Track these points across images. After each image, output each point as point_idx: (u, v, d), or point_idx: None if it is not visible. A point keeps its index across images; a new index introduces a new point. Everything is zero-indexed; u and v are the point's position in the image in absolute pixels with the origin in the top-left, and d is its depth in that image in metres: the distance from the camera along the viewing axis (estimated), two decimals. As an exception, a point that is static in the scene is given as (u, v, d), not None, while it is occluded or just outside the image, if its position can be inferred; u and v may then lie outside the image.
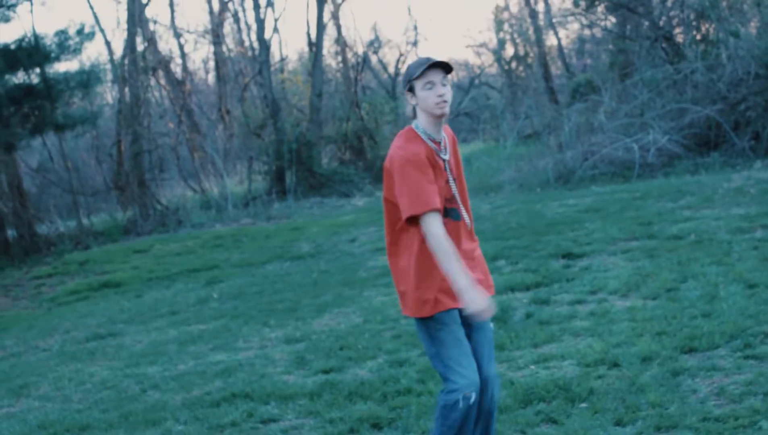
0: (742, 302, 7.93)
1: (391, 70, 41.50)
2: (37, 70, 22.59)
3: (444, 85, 4.79)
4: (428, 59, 4.77)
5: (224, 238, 20.35)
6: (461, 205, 4.96)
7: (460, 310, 4.76)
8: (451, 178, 4.91)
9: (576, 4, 29.61)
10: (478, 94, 42.85)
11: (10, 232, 24.10)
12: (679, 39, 26.21)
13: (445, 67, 4.80)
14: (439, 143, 4.90)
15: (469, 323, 4.88)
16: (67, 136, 27.56)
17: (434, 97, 4.76)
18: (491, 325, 5.07)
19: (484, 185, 22.55)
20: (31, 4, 23.74)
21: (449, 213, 4.87)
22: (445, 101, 4.78)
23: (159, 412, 7.33)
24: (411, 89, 4.85)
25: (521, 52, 43.70)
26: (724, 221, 12.20)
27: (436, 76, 4.77)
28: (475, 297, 4.52)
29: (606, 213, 14.53)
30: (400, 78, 43.11)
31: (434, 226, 4.66)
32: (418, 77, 4.78)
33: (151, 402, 7.78)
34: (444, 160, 4.89)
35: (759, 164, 18.44)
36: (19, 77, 22.69)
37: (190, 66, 40.73)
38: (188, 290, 14.25)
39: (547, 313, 8.75)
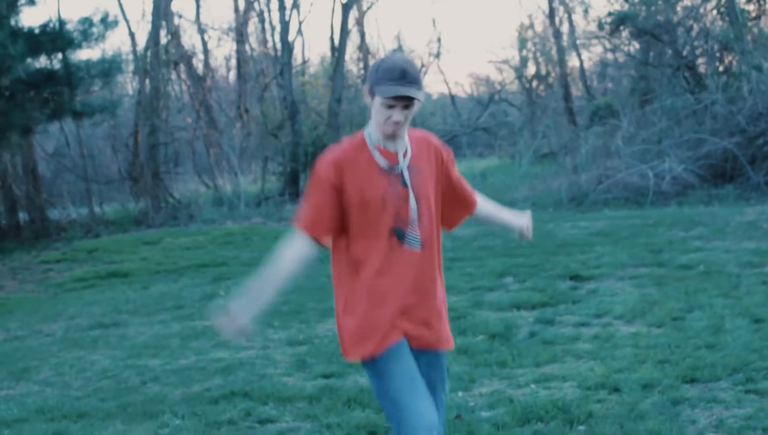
0: (746, 336, 7.91)
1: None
2: (59, 56, 22.65)
3: (407, 108, 4.08)
4: (398, 82, 4.03)
5: (234, 235, 20.37)
6: (424, 232, 4.24)
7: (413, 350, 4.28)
8: (412, 196, 4.18)
9: (601, 27, 29.66)
10: (497, 110, 42.89)
11: (22, 216, 24.19)
12: (702, 69, 26.27)
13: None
14: (394, 154, 4.19)
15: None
16: (84, 123, 27.65)
17: (387, 119, 4.09)
18: (447, 387, 4.53)
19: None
20: (58, -11, 23.83)
21: (403, 237, 4.19)
22: (400, 126, 4.12)
23: (157, 405, 7.33)
24: (372, 91, 4.11)
25: (543, 71, 43.75)
26: (734, 254, 12.18)
27: (400, 100, 4.06)
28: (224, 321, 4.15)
29: (617, 238, 14.51)
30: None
31: (290, 242, 4.19)
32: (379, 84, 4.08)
33: (150, 394, 7.78)
34: (399, 172, 4.18)
35: (773, 199, 18.42)
36: (41, 62, 22.74)
37: (212, 62, 40.87)
38: (195, 285, 14.26)
39: (551, 333, 8.73)
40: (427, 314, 4.29)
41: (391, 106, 4.05)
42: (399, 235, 4.18)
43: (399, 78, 4.03)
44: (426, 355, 4.33)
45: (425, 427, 4.02)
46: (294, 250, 4.18)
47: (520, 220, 4.90)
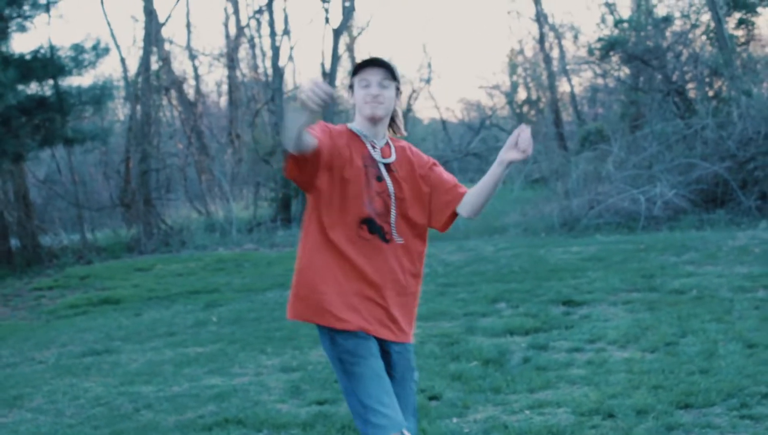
0: (740, 361, 7.92)
1: (404, 105, 41.58)
2: (51, 82, 22.65)
3: (383, 87, 4.36)
4: (368, 60, 4.38)
5: (226, 262, 20.35)
6: (394, 228, 4.44)
7: (379, 343, 4.41)
8: (391, 191, 4.43)
9: (590, 52, 29.80)
10: (488, 135, 42.99)
11: (14, 242, 24.13)
12: (692, 94, 26.36)
13: (387, 68, 4.38)
14: (374, 146, 4.48)
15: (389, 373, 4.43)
16: (75, 149, 27.63)
17: (365, 97, 4.36)
18: (416, 376, 4.62)
19: (489, 227, 22.55)
20: (49, 16, 23.76)
21: (374, 228, 4.40)
22: (379, 102, 4.37)
23: (150, 433, 7.32)
24: (352, 87, 4.45)
25: (533, 97, 43.91)
26: (726, 279, 12.21)
27: (374, 75, 4.36)
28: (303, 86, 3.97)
29: (609, 263, 14.54)
30: (411, 114, 43.22)
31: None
32: (355, 74, 4.39)
33: (143, 422, 7.76)
34: (381, 164, 4.45)
35: (764, 224, 18.46)
36: (32, 88, 22.73)
37: (203, 88, 40.93)
38: (187, 312, 14.24)
39: (544, 359, 8.74)
40: (394, 305, 4.42)
41: (367, 85, 4.36)
42: (369, 225, 4.37)
43: (370, 59, 4.36)
44: (396, 345, 4.47)
45: (394, 426, 4.15)
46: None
47: (507, 151, 4.33)
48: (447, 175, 4.59)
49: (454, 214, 4.54)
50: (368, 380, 4.21)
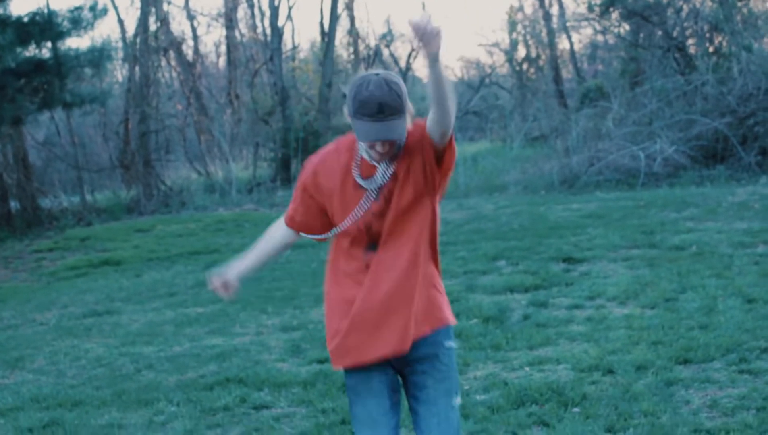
0: (739, 316, 7.94)
1: (402, 64, 41.47)
2: (49, 44, 22.54)
3: (387, 140, 3.76)
4: (375, 119, 3.69)
5: (226, 222, 20.35)
6: (398, 240, 4.00)
7: (393, 373, 4.07)
8: (388, 210, 3.96)
9: (590, 9, 29.60)
10: (487, 93, 42.81)
11: (14, 204, 24.12)
12: (692, 50, 26.23)
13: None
14: (375, 168, 3.92)
15: (414, 394, 4.05)
16: (74, 111, 27.55)
17: (370, 149, 3.83)
18: (456, 401, 4.06)
19: (489, 185, 22.52)
20: (47, -23, 23.71)
21: (370, 246, 4.04)
22: (383, 155, 3.86)
23: (152, 393, 7.34)
24: (350, 115, 3.78)
25: (533, 54, 43.71)
26: (726, 235, 12.21)
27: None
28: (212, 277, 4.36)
29: (609, 219, 14.53)
30: (411, 73, 43.10)
31: (278, 224, 4.36)
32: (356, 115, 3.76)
33: (144, 382, 7.79)
34: (368, 189, 3.95)
35: (764, 180, 18.45)
36: (30, 51, 22.63)
37: (202, 49, 40.83)
38: (188, 272, 14.26)
39: (544, 315, 8.75)
40: (405, 319, 3.97)
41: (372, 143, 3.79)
42: (373, 248, 3.99)
43: (376, 113, 3.68)
44: (417, 364, 4.03)
45: None
46: (278, 231, 4.41)
47: (423, 48, 3.60)
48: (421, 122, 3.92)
49: (444, 137, 3.81)
50: (362, 424, 4.02)
